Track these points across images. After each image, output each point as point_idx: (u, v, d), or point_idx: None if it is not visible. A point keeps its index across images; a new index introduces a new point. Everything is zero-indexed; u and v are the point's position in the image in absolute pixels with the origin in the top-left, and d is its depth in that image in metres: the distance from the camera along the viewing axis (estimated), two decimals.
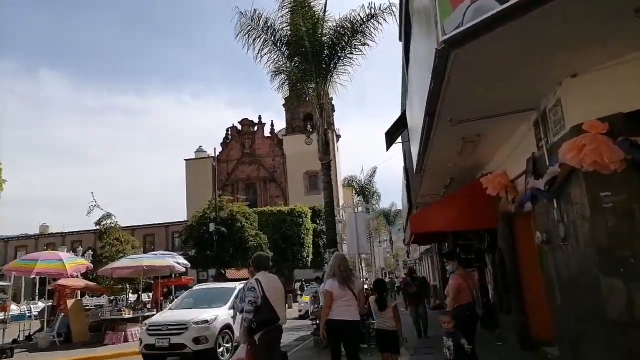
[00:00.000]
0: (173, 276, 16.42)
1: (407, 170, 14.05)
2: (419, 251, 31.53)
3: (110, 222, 22.42)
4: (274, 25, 11.23)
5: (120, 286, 18.10)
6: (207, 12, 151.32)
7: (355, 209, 16.23)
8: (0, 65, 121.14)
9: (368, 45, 11.38)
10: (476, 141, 6.77)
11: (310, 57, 11.16)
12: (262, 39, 11.26)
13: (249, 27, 11.17)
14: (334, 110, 57.87)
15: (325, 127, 11.34)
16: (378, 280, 7.02)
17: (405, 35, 9.53)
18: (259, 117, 61.78)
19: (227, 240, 25.65)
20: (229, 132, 61.85)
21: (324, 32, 11.24)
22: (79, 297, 14.08)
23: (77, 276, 13.56)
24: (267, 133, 61.34)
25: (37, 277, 15.15)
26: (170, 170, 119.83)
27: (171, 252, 18.11)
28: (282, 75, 12.41)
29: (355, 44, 11.31)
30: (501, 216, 7.94)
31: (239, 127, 61.54)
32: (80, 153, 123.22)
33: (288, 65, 11.68)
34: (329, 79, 11.45)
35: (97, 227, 22.10)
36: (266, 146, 60.82)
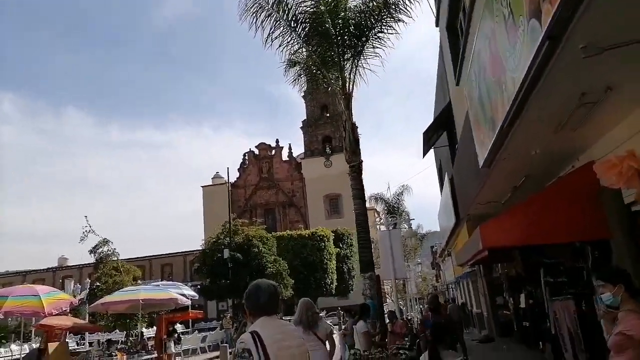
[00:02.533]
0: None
1: (452, 178, 11.63)
2: (454, 275, 28.58)
3: (108, 250, 20.12)
4: (287, 0, 9.20)
5: (116, 323, 15.91)
6: (225, 50, 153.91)
7: (388, 227, 13.88)
8: (32, 105, 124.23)
9: (403, 21, 9.21)
10: (599, 102, 4.40)
11: (333, 37, 9.03)
12: (273, 17, 9.22)
13: (257, 5, 9.14)
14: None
15: (353, 121, 9.12)
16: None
17: None
18: (277, 141, 60.24)
19: (243, 268, 23.33)
20: (246, 157, 60.38)
21: (348, 5, 9.14)
22: (63, 340, 11.87)
23: (61, 313, 11.38)
24: (285, 157, 59.64)
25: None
26: (191, 200, 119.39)
27: (176, 283, 15.91)
28: (297, 66, 10.31)
29: (386, 20, 9.16)
30: (621, 220, 5.47)
31: (256, 151, 60.05)
32: (103, 187, 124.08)
33: (305, 49, 9.58)
34: (355, 63, 9.28)
35: (92, 255, 19.92)
36: (284, 170, 59.02)
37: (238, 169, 60.33)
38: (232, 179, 59.79)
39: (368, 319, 7.76)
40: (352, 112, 9.19)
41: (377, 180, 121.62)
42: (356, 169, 8.68)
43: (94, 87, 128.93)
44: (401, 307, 22.25)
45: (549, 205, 6.28)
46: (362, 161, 8.78)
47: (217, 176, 61.42)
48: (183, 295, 13.53)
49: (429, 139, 12.81)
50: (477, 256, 7.11)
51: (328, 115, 59.11)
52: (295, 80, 10.15)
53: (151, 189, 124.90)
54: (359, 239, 8.62)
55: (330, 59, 9.21)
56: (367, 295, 8.24)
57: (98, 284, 18.69)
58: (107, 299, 11.87)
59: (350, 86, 9.29)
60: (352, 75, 9.33)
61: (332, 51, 9.15)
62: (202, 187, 60.90)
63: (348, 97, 9.21)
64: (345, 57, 9.11)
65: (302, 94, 55.05)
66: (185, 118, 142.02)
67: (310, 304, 5.50)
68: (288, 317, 32.43)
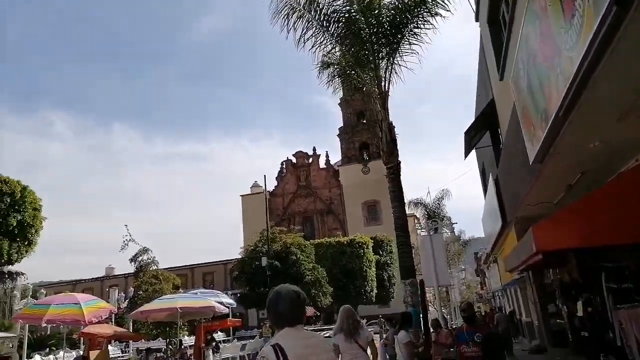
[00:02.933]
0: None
1: (496, 179, 10.98)
2: (501, 282, 27.29)
3: (148, 258, 20.18)
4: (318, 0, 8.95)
5: (157, 331, 15.99)
6: (263, 62, 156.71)
7: (429, 232, 13.24)
8: (82, 123, 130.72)
9: (440, 15, 8.76)
10: None
11: (367, 35, 8.70)
12: (305, 18, 8.99)
13: (288, 6, 8.95)
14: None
15: (389, 121, 8.71)
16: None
17: None
18: (314, 149, 60.28)
19: (281, 275, 23.11)
20: (284, 166, 60.69)
21: (382, 2, 8.79)
22: (105, 347, 11.99)
23: (102, 321, 11.51)
24: (322, 165, 59.54)
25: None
26: (231, 210, 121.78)
27: (214, 291, 15.86)
28: (331, 67, 10.03)
29: (423, 15, 8.74)
30: None
31: (294, 160, 60.26)
32: (150, 199, 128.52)
33: (338, 49, 9.29)
34: (391, 61, 8.89)
35: (132, 263, 20.26)
36: (322, 178, 58.87)
37: (276, 178, 60.70)
38: (271, 188, 60.27)
39: (410, 328, 7.30)
40: (389, 112, 8.78)
41: (416, 186, 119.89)
42: (394, 171, 8.26)
43: (138, 103, 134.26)
44: (445, 316, 21.38)
45: (611, 201, 5.67)
46: (399, 162, 8.35)
47: (255, 185, 62.03)
48: (221, 303, 13.43)
49: (471, 140, 12.20)
50: (529, 260, 6.53)
51: (364, 121, 58.60)
52: (329, 81, 9.86)
53: (194, 200, 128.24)
54: (398, 243, 8.17)
55: (365, 58, 8.86)
56: (409, 303, 7.77)
57: (139, 292, 18.95)
58: (146, 307, 11.89)
59: (386, 85, 8.91)
60: (387, 74, 8.94)
61: (366, 50, 8.80)
62: (240, 196, 61.60)
63: (384, 97, 8.82)
64: (380, 55, 8.74)
65: (338, 100, 54.52)
66: (225, 130, 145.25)
67: (351, 312, 5.39)
68: (329, 326, 31.94)
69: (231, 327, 17.17)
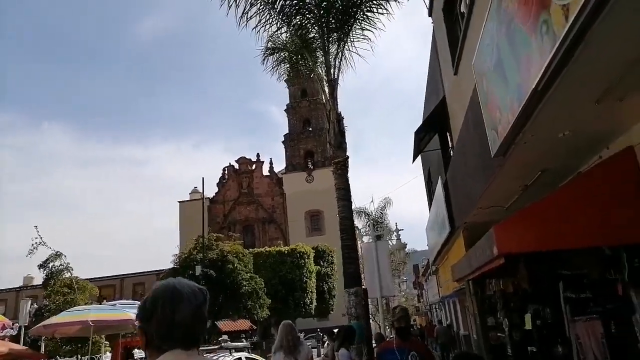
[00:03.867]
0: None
1: (445, 183, 10.48)
2: (439, 295, 27.32)
3: (60, 265, 17.51)
4: None
5: (68, 348, 13.99)
6: (207, 66, 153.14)
7: (373, 239, 12.55)
8: (4, 119, 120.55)
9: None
10: None
11: (317, 16, 7.87)
12: None
13: None
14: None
15: (338, 111, 7.89)
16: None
17: None
18: (257, 155, 58.90)
19: (217, 285, 21.58)
20: (226, 172, 58.73)
21: None
22: None
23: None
24: (265, 172, 58.22)
25: None
26: (169, 217, 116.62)
27: (136, 302, 14.17)
28: (277, 54, 9.10)
29: None
30: None
31: (236, 166, 58.50)
32: (79, 205, 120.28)
33: (285, 29, 8.38)
34: (341, 47, 8.11)
35: (42, 270, 17.53)
36: (265, 186, 57.54)
37: (217, 184, 58.58)
38: (211, 194, 57.92)
39: (352, 344, 6.42)
40: (337, 101, 7.96)
41: (358, 197, 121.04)
42: (341, 166, 7.43)
43: (73, 101, 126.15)
44: (387, 330, 20.81)
45: (577, 201, 5.12)
46: (348, 157, 7.53)
47: (194, 191, 59.34)
48: None
49: (420, 142, 11.69)
50: (486, 266, 5.89)
51: (310, 129, 58.14)
52: (274, 68, 8.93)
53: (129, 206, 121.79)
54: (343, 248, 7.30)
55: (314, 41, 8.03)
56: (352, 315, 6.89)
57: (47, 302, 16.56)
58: (51, 320, 10.19)
59: (336, 72, 8.11)
60: (337, 60, 8.15)
61: (315, 32, 7.98)
62: (178, 202, 58.76)
63: (333, 85, 8.01)
64: (331, 39, 7.94)
65: (284, 107, 53.63)
66: (166, 134, 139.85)
67: (290, 327, 5.36)
68: (262, 341, 30.45)
69: None
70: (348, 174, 7.54)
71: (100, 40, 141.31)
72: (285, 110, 60.19)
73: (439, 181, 11.03)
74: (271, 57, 9.17)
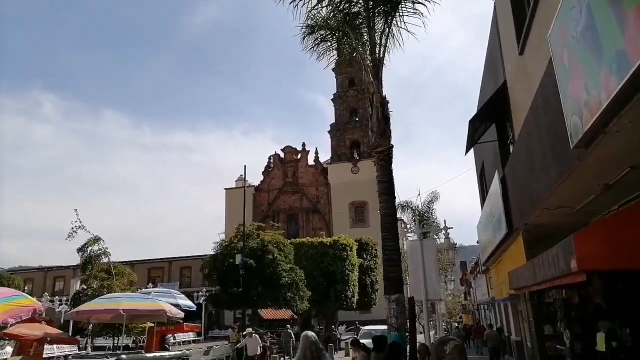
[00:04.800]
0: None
1: (503, 178, 9.34)
2: (489, 295, 25.80)
3: (99, 249, 17.11)
4: None
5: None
6: (260, 58, 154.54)
7: (419, 237, 11.59)
8: (68, 105, 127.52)
9: None
10: None
11: None
12: None
13: None
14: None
15: (382, 95, 6.99)
16: None
17: None
18: (303, 145, 58.43)
19: (256, 276, 21.26)
20: (271, 160, 58.76)
21: None
22: (34, 352, 10.08)
23: (30, 320, 9.62)
24: (311, 162, 57.74)
25: None
26: (218, 204, 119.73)
27: (171, 291, 14.02)
28: (318, 33, 8.27)
29: None
30: None
31: (282, 154, 58.39)
32: (135, 188, 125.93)
33: (325, 4, 7.53)
34: (388, 22, 7.17)
35: (80, 254, 17.68)
36: (310, 175, 57.09)
37: (262, 172, 58.79)
38: (257, 183, 58.28)
39: None
40: (382, 83, 7.06)
41: (403, 190, 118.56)
42: (384, 156, 6.56)
43: (129, 90, 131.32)
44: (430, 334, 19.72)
45: None
46: (392, 146, 6.64)
47: (240, 179, 59.89)
48: (177, 305, 11.64)
49: (475, 131, 10.54)
50: (559, 280, 4.89)
51: (357, 119, 56.98)
52: (314, 47, 8.12)
53: (182, 191, 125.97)
54: (384, 248, 6.46)
55: (358, 17, 7.16)
56: (393, 326, 6.05)
57: (84, 287, 16.70)
58: (84, 306, 10.08)
59: (381, 51, 7.20)
60: (383, 38, 7.24)
61: (360, 6, 7.10)
62: (225, 189, 59.54)
63: (377, 64, 7.11)
64: (377, 12, 7.03)
65: (332, 96, 52.65)
66: (216, 121, 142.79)
67: (313, 341, 4.93)
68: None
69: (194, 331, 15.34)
70: (392, 166, 6.66)
71: (155, 31, 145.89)
72: (332, 100, 59.31)
73: (495, 176, 9.88)
74: (311, 36, 8.34)
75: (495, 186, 9.86)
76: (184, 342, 30.31)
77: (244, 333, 16.20)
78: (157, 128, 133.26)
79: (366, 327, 20.62)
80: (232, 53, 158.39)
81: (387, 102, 6.97)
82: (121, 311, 9.52)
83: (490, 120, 11.11)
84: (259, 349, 13.97)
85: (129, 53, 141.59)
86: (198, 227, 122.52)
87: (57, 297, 34.10)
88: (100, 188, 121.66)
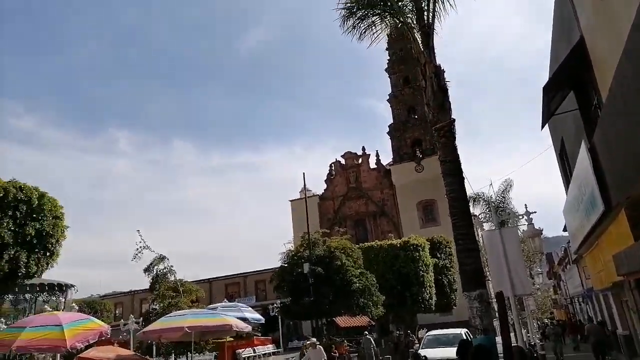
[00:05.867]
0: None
1: (592, 147, 8.02)
2: (583, 286, 23.29)
3: (164, 268, 17.16)
4: None
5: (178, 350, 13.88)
6: (308, 71, 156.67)
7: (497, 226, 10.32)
8: (142, 139, 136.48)
9: None
10: None
11: None
12: None
13: None
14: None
15: (437, 64, 6.10)
16: None
17: None
18: (363, 149, 57.50)
19: (326, 283, 20.63)
20: (333, 168, 58.30)
21: None
22: None
23: (104, 342, 9.67)
24: (372, 165, 56.62)
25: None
26: (285, 217, 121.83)
27: (238, 304, 13.72)
28: (358, 12, 7.54)
29: None
30: None
31: (343, 161, 57.79)
32: (207, 210, 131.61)
33: None
34: None
35: (147, 275, 17.93)
36: (373, 179, 55.92)
37: (325, 181, 58.47)
38: (320, 192, 58.05)
39: None
40: (435, 52, 6.18)
41: (473, 184, 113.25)
42: (446, 132, 5.66)
43: (192, 118, 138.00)
44: (528, 340, 17.77)
45: None
46: (453, 120, 5.74)
47: (305, 193, 59.96)
48: (244, 319, 11.26)
49: (550, 101, 9.23)
50: None
51: (416, 117, 55.17)
52: (354, 27, 7.40)
53: (252, 209, 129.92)
54: (456, 237, 5.53)
55: None
56: (478, 327, 5.10)
57: (155, 306, 16.86)
58: (151, 326, 9.95)
59: (430, 17, 6.33)
60: (431, 3, 6.37)
61: None
62: (290, 201, 59.91)
63: (426, 31, 6.24)
64: None
65: (387, 97, 51.28)
66: (278, 139, 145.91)
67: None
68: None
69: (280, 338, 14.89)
70: (455, 142, 5.74)
71: (208, 59, 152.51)
72: (387, 100, 57.98)
73: (582, 147, 8.52)
74: (350, 19, 7.63)
75: (583, 160, 8.50)
76: (264, 354, 30.36)
77: (307, 343, 15.60)
78: (222, 152, 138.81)
79: (433, 332, 17.91)
80: (284, 71, 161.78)
81: (443, 71, 6.07)
82: (186, 329, 9.24)
83: (568, 86, 9.74)
84: None
85: (187, 83, 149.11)
86: (271, 242, 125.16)
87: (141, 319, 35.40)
88: (175, 213, 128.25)
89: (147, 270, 16.35)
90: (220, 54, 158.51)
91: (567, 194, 13.89)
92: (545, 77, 12.08)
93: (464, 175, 5.67)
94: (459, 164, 5.65)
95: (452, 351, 13.89)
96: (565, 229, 25.32)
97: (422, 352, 15.04)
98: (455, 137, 5.76)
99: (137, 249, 16.01)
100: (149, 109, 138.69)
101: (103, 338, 8.64)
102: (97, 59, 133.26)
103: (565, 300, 38.12)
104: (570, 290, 32.53)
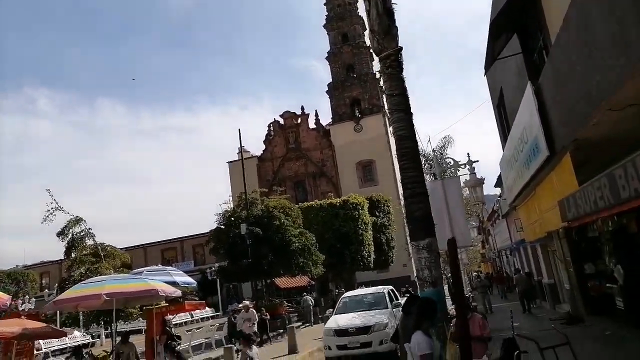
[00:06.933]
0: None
1: (537, 90, 7.66)
2: (511, 239, 24.42)
3: (81, 231, 15.21)
4: None
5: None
6: (244, 28, 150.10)
7: (440, 177, 10.03)
8: (62, 97, 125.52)
9: None
10: None
11: None
12: None
13: None
14: None
15: None
16: None
17: None
18: (302, 108, 56.33)
19: (264, 244, 20.01)
20: (271, 128, 56.87)
21: None
22: (30, 345, 8.88)
23: (8, 316, 8.38)
24: (312, 125, 55.80)
25: None
26: (223, 179, 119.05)
27: (167, 268, 12.72)
28: None
29: None
30: None
31: (281, 121, 56.45)
32: (141, 176, 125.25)
33: None
34: None
35: (61, 238, 15.31)
36: (312, 139, 55.26)
37: (264, 141, 57.03)
38: (259, 153, 56.61)
39: (434, 324, 4.16)
40: None
41: None
42: (392, 62, 4.93)
43: (120, 77, 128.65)
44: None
45: None
46: (401, 48, 5.01)
47: (242, 150, 58.19)
48: (173, 283, 10.32)
49: (494, 43, 8.78)
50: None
51: (354, 75, 54.60)
52: None
53: (188, 173, 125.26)
54: (404, 181, 4.93)
55: None
56: (426, 280, 4.60)
57: (72, 274, 15.27)
58: (64, 295, 8.77)
59: None
60: None
61: None
62: (227, 162, 58.09)
63: None
64: None
65: (325, 54, 50.00)
66: (212, 100, 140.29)
67: None
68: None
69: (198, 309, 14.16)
70: (403, 74, 5.03)
71: (135, 15, 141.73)
72: (326, 59, 56.80)
73: (528, 89, 8.17)
74: None
75: (527, 103, 8.19)
76: (201, 319, 29.61)
77: (240, 306, 15.10)
78: (154, 113, 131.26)
79: (350, 293, 14.44)
80: (217, 26, 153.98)
81: None
82: (104, 296, 8.18)
83: (511, 29, 9.34)
84: (251, 323, 12.96)
85: (112, 37, 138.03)
86: (209, 206, 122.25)
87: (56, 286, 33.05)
88: (106, 179, 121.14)
89: (60, 233, 14.53)
90: (149, 7, 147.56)
91: (504, 148, 13.94)
92: (475, 39, 11.69)
93: (411, 112, 5.01)
94: (407, 98, 4.97)
95: (369, 318, 10.93)
96: (497, 185, 26.24)
97: (333, 319, 11.85)
98: (402, 68, 5.05)
99: (48, 210, 14.10)
100: (68, 66, 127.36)
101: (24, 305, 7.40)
102: (7, 6, 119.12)
103: (493, 254, 40.33)
104: (498, 244, 34.28)
